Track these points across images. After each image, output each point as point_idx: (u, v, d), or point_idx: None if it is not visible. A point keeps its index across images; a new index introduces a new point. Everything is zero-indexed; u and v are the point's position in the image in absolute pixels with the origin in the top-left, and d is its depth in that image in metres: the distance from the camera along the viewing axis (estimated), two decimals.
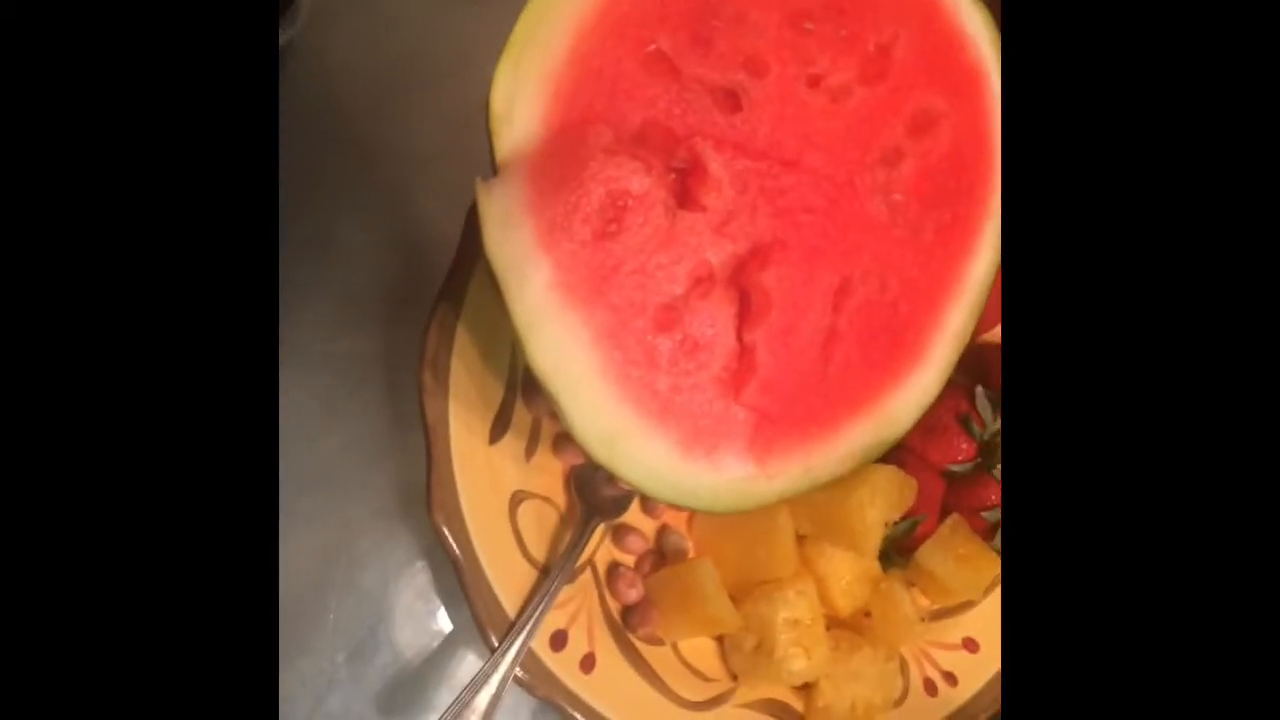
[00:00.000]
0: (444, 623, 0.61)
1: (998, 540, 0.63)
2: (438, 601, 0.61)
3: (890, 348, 0.51)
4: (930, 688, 0.64)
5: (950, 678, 0.64)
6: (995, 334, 0.67)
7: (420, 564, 0.61)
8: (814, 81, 0.48)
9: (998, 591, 0.66)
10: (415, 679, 0.60)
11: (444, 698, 0.60)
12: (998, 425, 0.63)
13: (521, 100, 0.43)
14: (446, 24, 0.70)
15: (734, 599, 0.58)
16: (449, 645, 0.61)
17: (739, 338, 0.48)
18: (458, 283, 0.54)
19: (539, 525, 0.57)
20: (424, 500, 0.53)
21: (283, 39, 0.65)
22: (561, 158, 0.44)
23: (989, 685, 0.65)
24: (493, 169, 0.44)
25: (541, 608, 0.54)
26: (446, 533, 0.52)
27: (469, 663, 0.61)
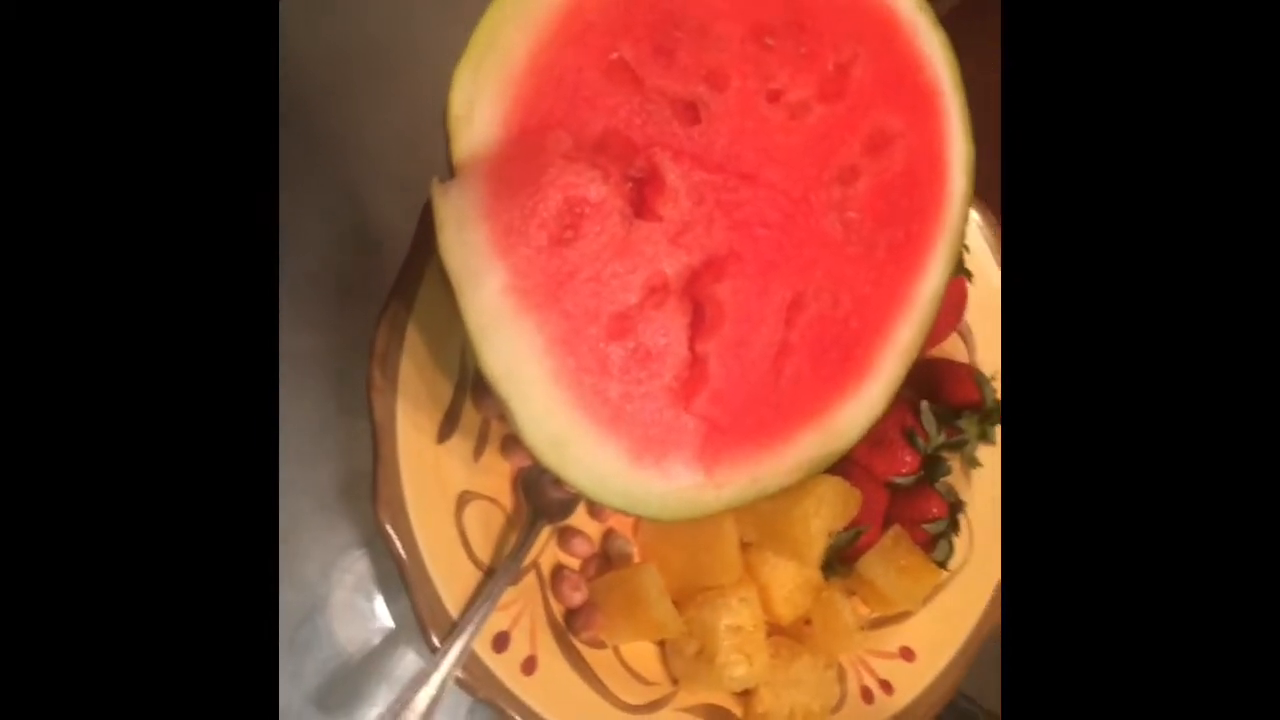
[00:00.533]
0: (384, 617, 0.61)
1: (938, 551, 0.64)
2: (377, 594, 0.61)
3: (840, 362, 0.51)
4: (867, 695, 0.64)
5: (887, 686, 0.65)
6: (941, 350, 0.68)
7: (360, 554, 0.61)
8: (774, 97, 0.48)
9: (935, 601, 0.67)
10: (354, 675, 0.60)
11: (383, 695, 0.60)
12: (941, 439, 0.64)
13: (481, 103, 0.43)
14: (400, 15, 0.70)
15: (677, 604, 0.58)
16: (389, 642, 0.61)
17: (691, 348, 0.48)
18: (410, 281, 0.54)
19: (485, 526, 0.57)
20: (365, 491, 0.53)
21: None
22: (520, 163, 0.44)
23: (924, 694, 0.66)
24: (450, 170, 0.44)
25: (485, 609, 0.54)
26: (391, 531, 0.52)
27: (409, 661, 0.61)
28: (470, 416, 0.57)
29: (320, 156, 0.65)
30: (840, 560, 0.64)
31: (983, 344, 0.70)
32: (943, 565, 0.65)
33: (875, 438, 0.61)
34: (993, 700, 0.74)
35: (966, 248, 0.65)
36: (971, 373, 0.66)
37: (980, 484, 0.69)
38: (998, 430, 0.66)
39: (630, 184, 0.46)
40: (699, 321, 0.48)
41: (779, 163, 0.49)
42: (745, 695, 0.62)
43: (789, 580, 0.61)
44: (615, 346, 0.46)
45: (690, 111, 0.47)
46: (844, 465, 0.60)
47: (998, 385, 0.66)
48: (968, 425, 0.65)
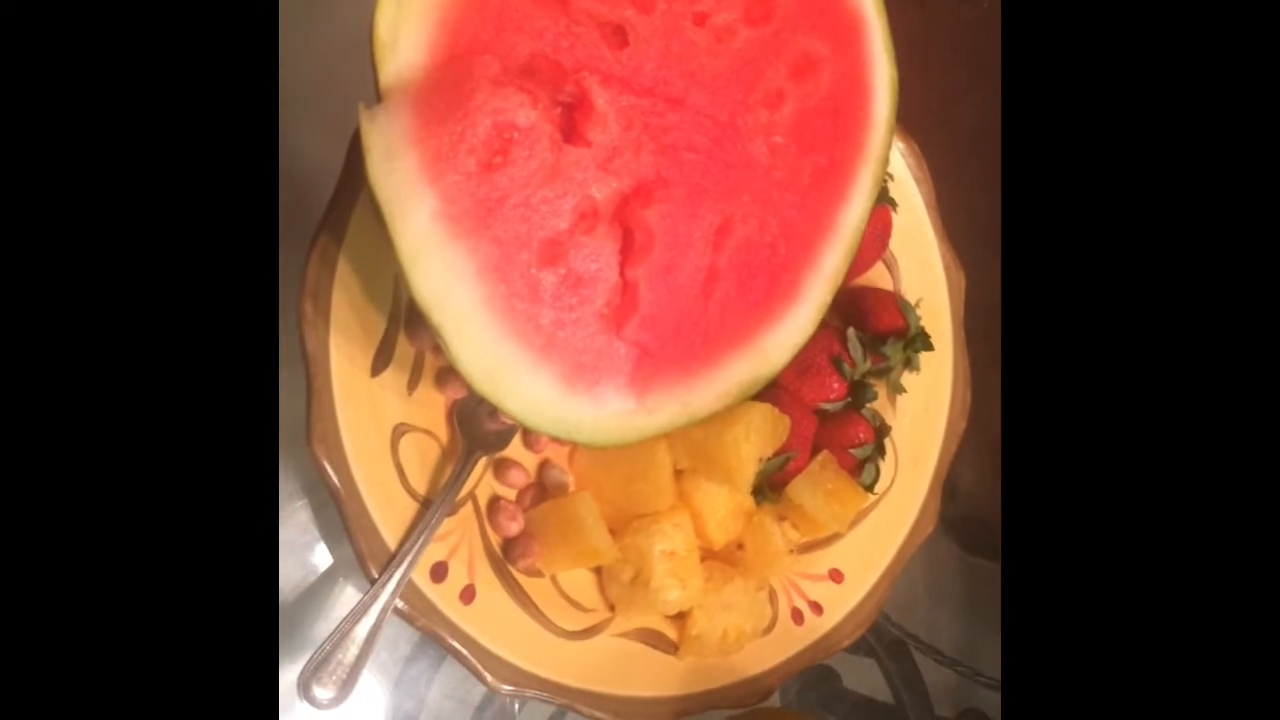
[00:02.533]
0: (324, 558, 0.61)
1: (865, 475, 0.66)
2: (318, 538, 0.61)
3: (768, 287, 0.52)
4: (797, 616, 0.66)
5: (816, 607, 0.67)
6: (867, 278, 0.70)
7: (301, 502, 0.61)
8: (700, 20, 0.49)
9: (863, 524, 0.69)
10: (294, 614, 0.60)
11: (323, 632, 0.60)
12: (868, 365, 0.66)
13: (406, 28, 0.43)
14: None
15: (612, 532, 0.59)
16: (328, 579, 0.61)
17: (622, 274, 0.49)
18: (339, 213, 0.53)
19: (421, 458, 0.57)
20: (304, 440, 0.53)
21: None
22: (447, 88, 0.43)
23: (852, 613, 0.68)
24: (376, 97, 0.44)
25: (422, 540, 0.54)
26: (327, 465, 0.52)
27: (349, 595, 0.61)
28: (404, 349, 0.57)
29: None
30: (770, 486, 0.65)
31: (907, 272, 0.72)
32: (869, 489, 0.67)
33: (803, 365, 0.62)
34: (913, 623, 0.77)
35: (890, 175, 0.66)
36: (896, 300, 0.68)
37: (905, 409, 0.71)
38: (921, 357, 0.68)
39: (559, 109, 0.46)
40: (629, 247, 0.49)
41: (706, 87, 0.49)
42: (679, 619, 0.63)
43: (721, 505, 0.63)
44: (546, 273, 0.46)
45: (618, 35, 0.47)
46: (773, 392, 0.62)
47: (922, 312, 0.68)
48: (893, 352, 0.66)
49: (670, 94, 0.48)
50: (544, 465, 0.63)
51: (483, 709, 0.64)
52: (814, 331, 0.55)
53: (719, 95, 0.49)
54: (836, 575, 0.69)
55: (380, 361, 0.56)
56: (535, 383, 0.47)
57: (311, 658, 0.51)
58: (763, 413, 0.60)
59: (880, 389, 0.68)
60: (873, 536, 0.70)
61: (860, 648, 0.70)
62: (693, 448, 0.60)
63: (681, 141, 0.49)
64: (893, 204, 0.67)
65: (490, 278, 0.45)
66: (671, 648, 0.63)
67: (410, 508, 0.56)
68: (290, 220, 0.61)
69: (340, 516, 0.53)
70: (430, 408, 0.59)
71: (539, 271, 0.46)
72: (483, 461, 0.60)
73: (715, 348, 0.52)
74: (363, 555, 0.53)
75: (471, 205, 0.44)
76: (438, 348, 0.48)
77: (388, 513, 0.55)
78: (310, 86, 0.64)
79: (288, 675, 0.59)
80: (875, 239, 0.66)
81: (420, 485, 0.57)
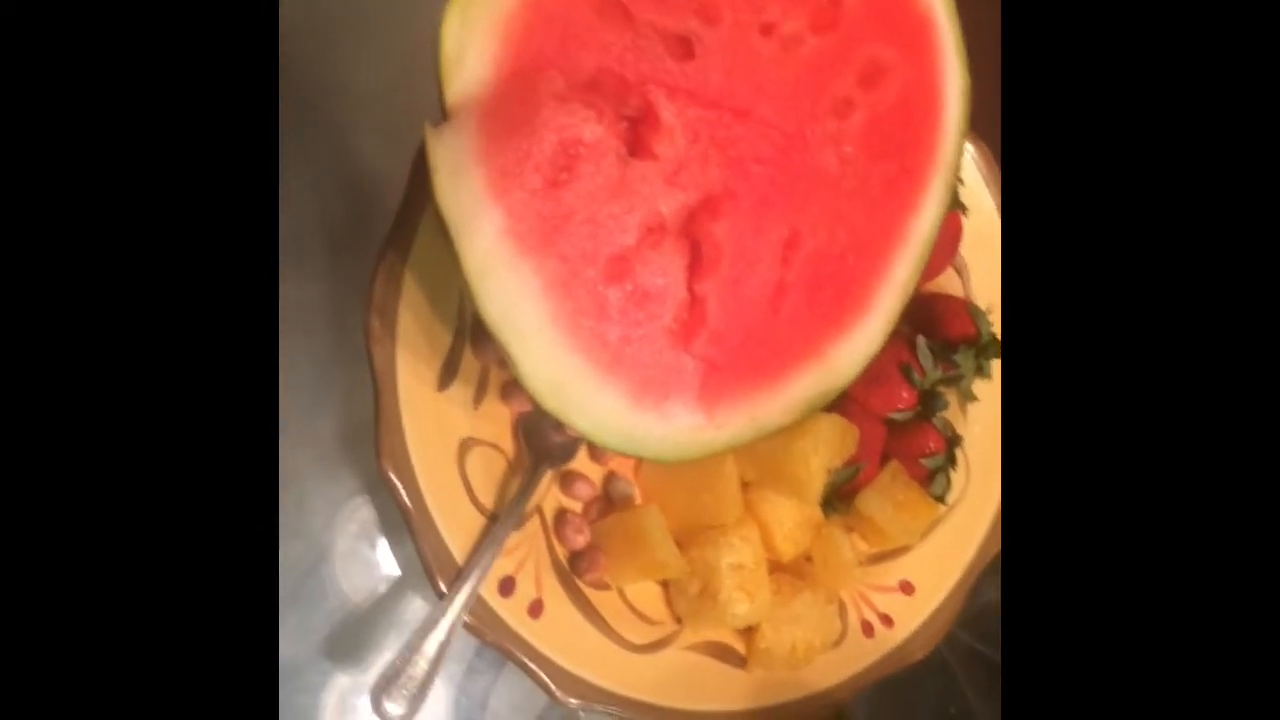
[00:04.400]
0: (389, 564, 0.61)
1: (935, 486, 0.65)
2: (381, 542, 0.62)
3: (837, 299, 0.51)
4: (867, 629, 0.65)
5: (887, 620, 0.66)
6: (937, 285, 0.68)
7: (362, 501, 0.61)
8: (766, 30, 0.48)
9: (934, 535, 0.68)
10: (362, 624, 0.61)
11: (391, 642, 0.61)
12: (938, 374, 0.64)
13: (472, 45, 0.43)
14: None
15: (679, 544, 0.59)
16: (396, 590, 0.62)
17: (689, 288, 0.48)
18: (405, 228, 0.53)
19: (487, 472, 0.57)
20: (367, 440, 0.53)
21: None
22: (513, 104, 0.43)
23: (923, 626, 0.67)
24: (442, 114, 0.44)
25: (490, 554, 0.54)
26: (395, 480, 0.52)
27: (416, 607, 0.61)
28: (470, 363, 0.57)
29: (311, 106, 0.64)
30: (839, 497, 0.64)
31: (978, 278, 0.70)
32: (940, 499, 0.65)
33: (872, 374, 0.61)
34: (988, 635, 0.76)
35: (961, 181, 0.65)
36: (967, 307, 0.66)
37: (976, 418, 0.69)
38: (994, 364, 0.67)
39: (625, 123, 0.46)
40: (696, 261, 0.48)
41: (773, 97, 0.48)
42: (747, 632, 0.63)
43: (789, 518, 0.62)
44: (613, 288, 0.46)
45: (683, 47, 0.46)
46: (842, 402, 0.61)
47: (994, 319, 0.67)
48: (964, 360, 0.65)
49: (737, 105, 0.48)
50: (610, 477, 0.62)
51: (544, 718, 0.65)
52: (884, 342, 0.54)
53: (786, 105, 0.49)
54: (907, 587, 0.67)
55: (446, 376, 0.56)
56: (602, 398, 0.46)
57: (383, 673, 0.51)
58: (831, 423, 0.59)
59: (951, 397, 0.66)
60: (944, 548, 0.68)
61: (933, 661, 0.68)
62: (760, 460, 0.60)
63: (749, 153, 0.48)
64: (963, 209, 0.65)
65: (556, 294, 0.44)
66: (740, 661, 0.62)
67: (477, 522, 0.56)
68: (356, 235, 0.62)
69: (409, 531, 0.53)
70: (496, 421, 0.59)
71: (605, 287, 0.46)
72: (548, 474, 0.60)
73: (784, 361, 0.51)
74: (431, 570, 0.53)
75: (537, 222, 0.44)
76: (503, 361, 0.48)
77: (455, 527, 0.55)
78: (379, 102, 0.65)
79: (359, 683, 0.60)
80: (946, 245, 0.64)
81: (487, 499, 0.57)
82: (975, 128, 0.59)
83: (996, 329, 0.66)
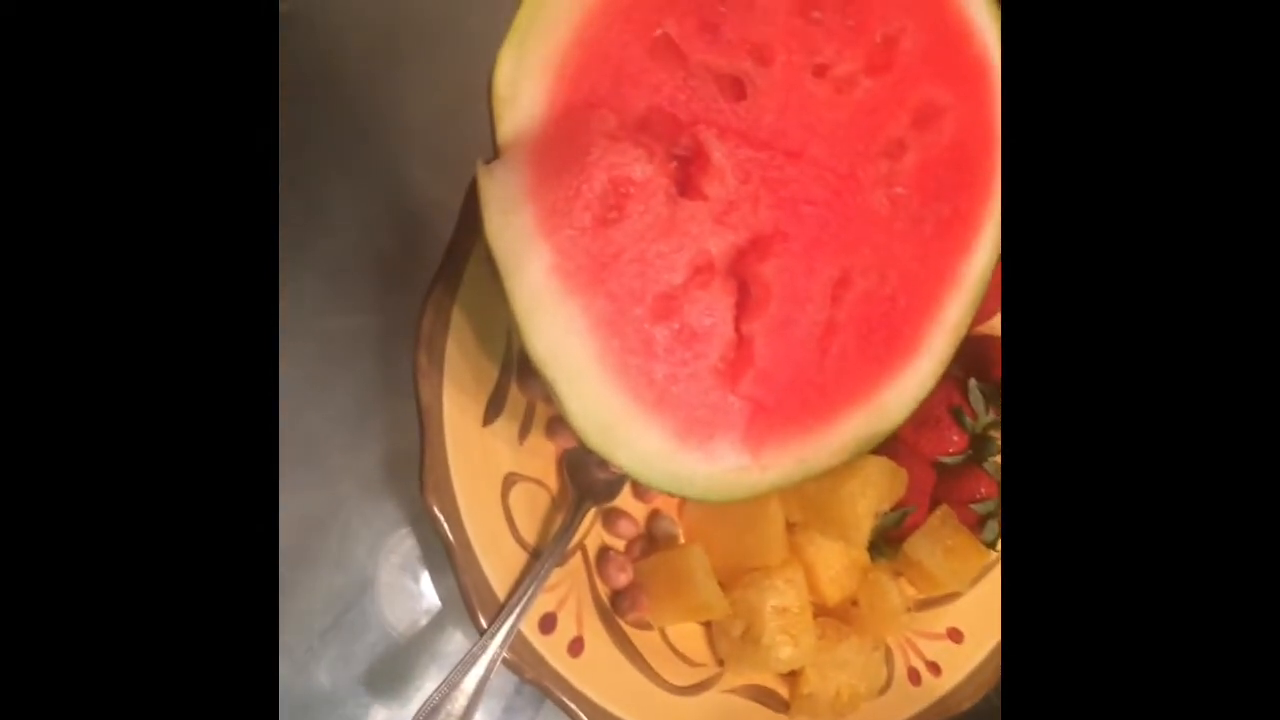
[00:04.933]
0: (431, 596, 0.61)
1: (986, 532, 0.63)
2: (424, 573, 0.61)
3: (888, 341, 0.51)
4: (914, 677, 0.64)
5: (934, 667, 0.65)
6: (989, 326, 0.67)
7: (405, 533, 0.61)
8: (820, 71, 0.47)
9: (983, 582, 0.67)
10: (402, 656, 0.60)
11: (432, 675, 0.60)
12: (990, 418, 0.63)
13: (525, 83, 0.43)
14: None
15: (723, 585, 0.58)
16: (436, 623, 0.61)
17: (737, 328, 0.48)
18: (455, 263, 0.54)
19: (531, 508, 0.57)
20: (410, 471, 0.53)
21: (282, 8, 0.64)
22: (564, 142, 0.43)
23: (972, 675, 0.65)
24: (494, 151, 0.44)
25: (531, 590, 0.54)
26: (439, 515, 0.52)
27: (457, 641, 0.61)
28: (515, 399, 0.57)
29: (363, 136, 0.65)
30: (887, 541, 0.63)
31: None
32: (991, 546, 0.64)
33: (922, 417, 0.60)
34: None
35: None
36: None
37: None
38: None
39: (675, 162, 0.46)
40: (745, 301, 0.48)
41: (825, 138, 0.48)
42: (791, 676, 0.62)
43: (835, 561, 0.61)
44: (660, 327, 0.46)
45: (736, 87, 0.46)
46: (891, 445, 0.59)
47: None
48: None
49: (789, 146, 0.47)
50: (653, 516, 0.62)
51: None
52: (935, 385, 0.53)
53: (839, 147, 0.48)
54: (955, 635, 0.66)
55: (492, 411, 0.56)
56: (648, 437, 0.46)
57: (422, 708, 0.51)
58: (879, 466, 0.58)
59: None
60: (994, 595, 0.67)
61: (981, 710, 0.67)
62: (806, 501, 0.59)
63: (800, 194, 0.48)
64: None
65: (604, 332, 0.44)
66: (783, 706, 0.61)
67: (520, 557, 0.56)
68: (407, 265, 0.63)
69: (451, 566, 0.53)
70: (541, 457, 0.58)
71: (653, 326, 0.45)
72: (592, 511, 0.59)
73: (832, 403, 0.50)
74: (472, 605, 0.53)
75: (586, 260, 0.44)
76: (549, 398, 0.48)
77: (497, 562, 0.55)
78: (431, 134, 0.66)
79: (397, 716, 0.59)
80: (998, 286, 0.63)
81: (530, 535, 0.56)
82: None
83: None
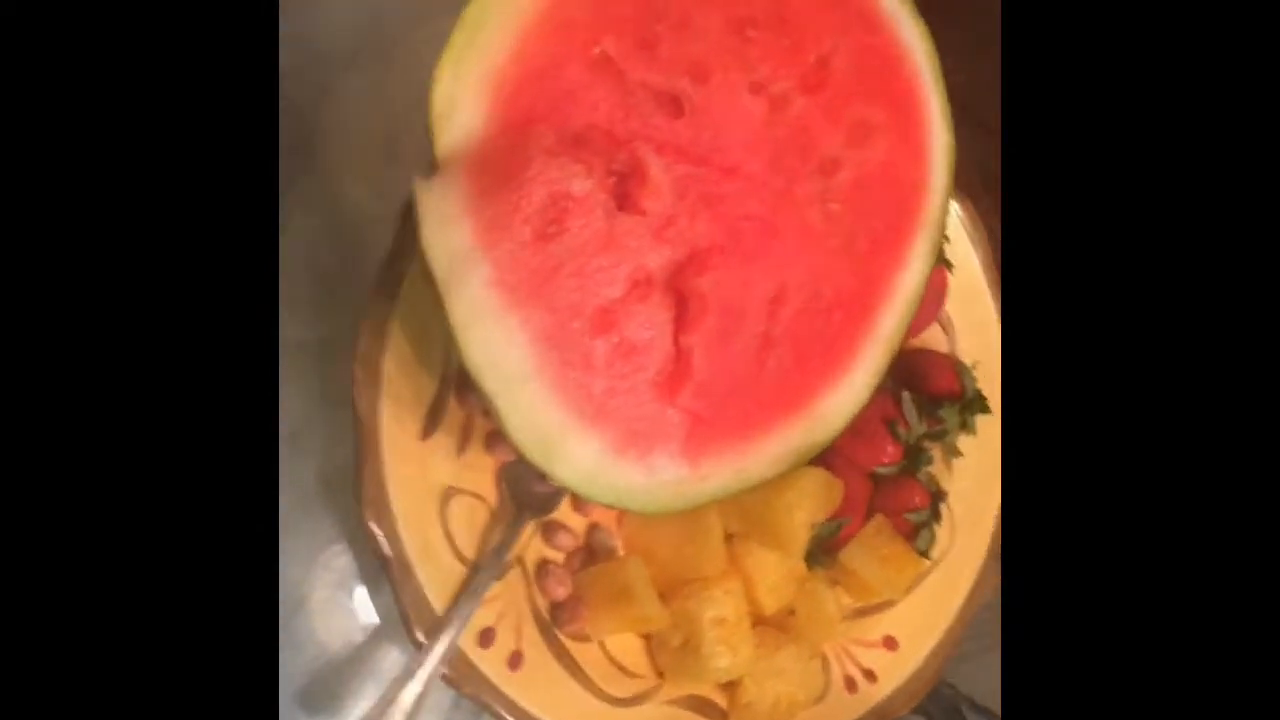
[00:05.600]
0: (367, 613, 0.61)
1: (920, 541, 0.65)
2: (360, 588, 0.61)
3: (823, 354, 0.52)
4: (850, 685, 0.65)
5: (870, 675, 0.66)
6: (922, 340, 0.69)
7: (341, 548, 0.61)
8: (756, 89, 0.48)
9: (918, 590, 0.68)
10: (339, 673, 0.60)
11: (369, 692, 0.60)
12: (923, 429, 0.64)
13: (463, 99, 0.43)
14: (383, 9, 0.69)
15: (662, 597, 0.59)
16: (373, 639, 0.61)
17: (675, 341, 0.48)
18: (392, 276, 0.53)
19: (469, 521, 0.57)
20: (346, 485, 0.53)
21: None
22: (502, 158, 0.43)
23: (907, 682, 0.66)
24: (432, 167, 0.44)
25: (469, 605, 0.53)
26: (376, 530, 0.52)
27: (394, 657, 0.61)
28: (454, 412, 0.57)
29: (304, 151, 0.64)
30: (823, 551, 0.64)
31: (963, 333, 0.70)
32: (925, 554, 0.65)
33: (857, 428, 0.61)
34: (975, 688, 0.75)
35: (947, 238, 0.65)
36: (952, 362, 0.66)
37: (961, 473, 0.69)
38: (979, 419, 0.67)
39: (614, 178, 0.46)
40: (683, 315, 0.48)
41: (761, 155, 0.49)
42: (730, 686, 0.62)
43: (772, 571, 0.61)
44: (599, 341, 0.46)
45: (673, 104, 0.47)
46: (827, 456, 0.60)
47: (979, 374, 0.67)
48: (949, 415, 0.65)
49: (725, 162, 0.48)
50: (592, 528, 0.62)
51: None
52: (869, 397, 0.54)
53: (774, 163, 0.49)
54: (891, 642, 0.67)
55: (430, 424, 0.56)
56: (587, 450, 0.46)
57: None
58: (815, 477, 0.59)
59: (936, 452, 0.66)
60: (928, 603, 0.68)
61: (917, 716, 0.68)
62: (744, 513, 0.60)
63: (736, 209, 0.48)
64: (949, 265, 0.66)
65: (543, 346, 0.44)
66: (721, 716, 0.61)
67: (458, 571, 0.55)
68: (345, 283, 0.62)
69: (388, 581, 0.53)
70: (479, 470, 0.58)
71: (592, 340, 0.46)
72: (531, 524, 0.59)
73: (769, 414, 0.51)
74: (409, 620, 0.53)
75: (525, 274, 0.44)
76: (488, 411, 0.48)
77: (435, 577, 0.54)
78: (371, 150, 0.65)
79: None
80: (931, 301, 0.65)
81: (468, 549, 0.56)
82: (961, 186, 0.60)
83: (981, 384, 0.67)
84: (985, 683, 0.73)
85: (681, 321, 0.48)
